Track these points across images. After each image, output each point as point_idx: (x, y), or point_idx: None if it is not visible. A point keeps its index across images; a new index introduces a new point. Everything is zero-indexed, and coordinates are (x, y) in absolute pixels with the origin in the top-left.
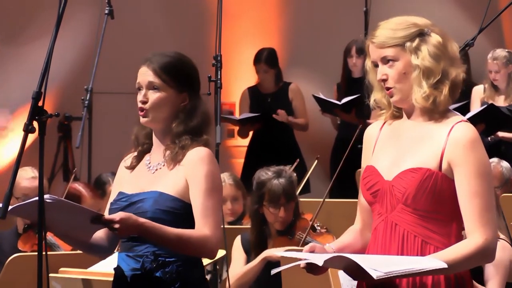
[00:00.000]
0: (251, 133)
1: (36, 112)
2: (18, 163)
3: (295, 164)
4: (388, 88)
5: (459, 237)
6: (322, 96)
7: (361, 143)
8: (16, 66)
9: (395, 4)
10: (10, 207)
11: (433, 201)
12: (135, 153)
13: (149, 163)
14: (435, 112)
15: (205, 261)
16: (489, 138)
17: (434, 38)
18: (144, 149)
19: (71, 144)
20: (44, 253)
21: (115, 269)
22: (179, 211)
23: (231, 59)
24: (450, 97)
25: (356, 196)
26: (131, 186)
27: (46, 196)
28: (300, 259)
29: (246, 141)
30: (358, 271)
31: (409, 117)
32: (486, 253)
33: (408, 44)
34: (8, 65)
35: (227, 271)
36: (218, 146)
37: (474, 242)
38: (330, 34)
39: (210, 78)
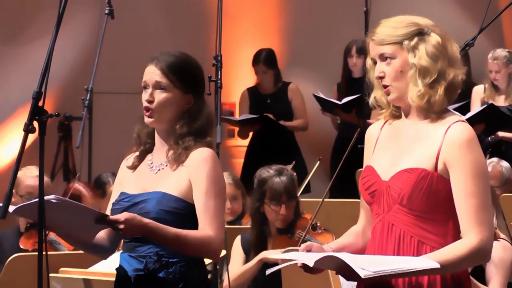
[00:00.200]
0: (250, 133)
1: (36, 112)
2: (18, 163)
3: (291, 166)
4: (385, 86)
5: (456, 237)
6: (322, 96)
7: (362, 143)
8: (16, 66)
9: (395, 4)
10: (14, 207)
11: (428, 202)
12: (137, 153)
13: (151, 163)
14: (431, 112)
15: (205, 261)
16: (489, 138)
17: (433, 38)
18: (146, 149)
19: (71, 144)
20: (44, 253)
21: (117, 269)
22: (182, 212)
23: (231, 59)
24: (446, 98)
25: (356, 196)
26: (134, 186)
27: (51, 196)
28: (292, 260)
29: (246, 141)
30: (350, 271)
31: (407, 116)
32: (481, 253)
33: (406, 42)
34: (8, 65)
35: (227, 271)
36: (218, 146)
37: (469, 242)
38: (330, 34)
39: (210, 78)
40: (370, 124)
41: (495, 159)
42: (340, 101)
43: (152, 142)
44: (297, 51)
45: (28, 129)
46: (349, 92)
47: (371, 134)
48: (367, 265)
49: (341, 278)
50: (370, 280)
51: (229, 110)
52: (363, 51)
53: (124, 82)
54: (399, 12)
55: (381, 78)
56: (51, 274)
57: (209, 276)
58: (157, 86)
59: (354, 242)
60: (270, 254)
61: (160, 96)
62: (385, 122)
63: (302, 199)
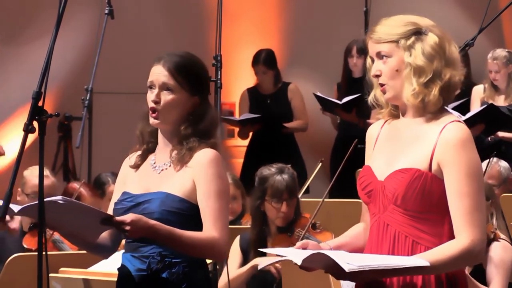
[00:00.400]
0: (250, 133)
1: (36, 112)
2: (18, 163)
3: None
4: (381, 85)
5: (452, 237)
6: (323, 95)
7: (362, 144)
8: (16, 66)
9: (395, 4)
10: (19, 207)
11: (422, 202)
12: (139, 152)
13: (154, 163)
14: (426, 111)
15: (206, 261)
16: (489, 138)
17: (431, 38)
18: (149, 148)
19: (71, 144)
20: (44, 253)
21: (119, 269)
22: (186, 212)
23: (231, 59)
24: (441, 98)
25: (356, 196)
26: (136, 186)
27: (58, 197)
28: (281, 256)
29: (246, 141)
30: (338, 268)
31: (403, 115)
32: (472, 254)
33: (402, 41)
34: (8, 65)
35: (227, 271)
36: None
37: (461, 242)
38: (330, 34)
39: (210, 78)
40: (370, 124)
41: (493, 159)
42: (340, 100)
43: (155, 141)
44: (297, 51)
45: (28, 129)
46: (350, 92)
47: (371, 133)
48: (353, 261)
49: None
50: (364, 280)
51: (229, 110)
52: (363, 51)
53: (124, 82)
54: (399, 12)
55: (378, 76)
56: (51, 274)
57: None
58: (164, 87)
59: (354, 240)
60: (263, 260)
61: (166, 97)
62: (385, 122)
63: (301, 199)
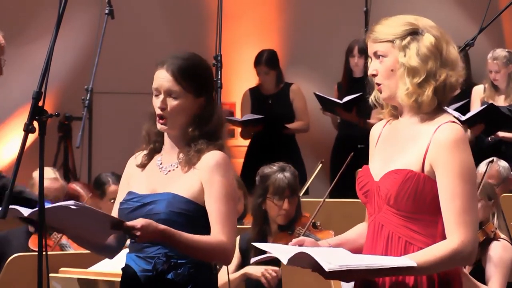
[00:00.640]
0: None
1: (36, 112)
2: (18, 163)
3: None
4: (377, 84)
5: (445, 238)
6: (323, 94)
7: (362, 143)
8: (16, 66)
9: (395, 4)
10: (29, 210)
11: (415, 203)
12: (146, 151)
13: (161, 164)
14: (421, 112)
15: None
16: (489, 138)
17: (427, 39)
18: (156, 148)
19: (71, 144)
20: (44, 253)
21: (123, 269)
22: (192, 214)
23: (231, 59)
24: (435, 98)
25: (356, 196)
26: (142, 186)
27: (71, 202)
28: (269, 253)
29: (246, 141)
30: (322, 268)
31: (401, 115)
32: (462, 255)
33: (397, 41)
34: (8, 65)
35: (227, 271)
36: None
37: (450, 243)
38: (330, 34)
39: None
40: (370, 123)
41: (493, 159)
42: (341, 100)
43: (161, 141)
44: (297, 51)
45: (28, 129)
46: (350, 91)
47: (373, 133)
48: (336, 261)
49: None
50: (355, 280)
51: (229, 110)
52: (365, 51)
53: (124, 82)
54: (399, 12)
55: (374, 76)
56: (51, 274)
57: None
58: (169, 93)
59: (356, 238)
60: (253, 270)
61: (173, 103)
62: (387, 122)
63: (301, 199)
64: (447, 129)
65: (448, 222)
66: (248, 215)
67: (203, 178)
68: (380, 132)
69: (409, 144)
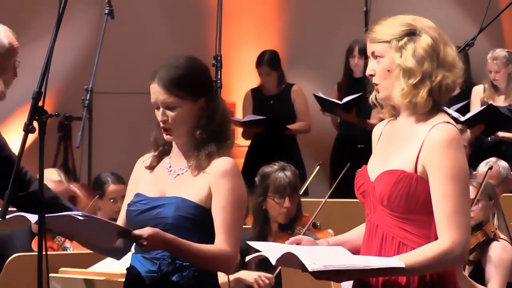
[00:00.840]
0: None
1: (36, 112)
2: (18, 163)
3: None
4: (375, 84)
5: None
6: (322, 95)
7: (362, 144)
8: None
9: (395, 4)
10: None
11: (407, 203)
12: (156, 153)
13: (170, 167)
14: (416, 113)
15: None
16: (489, 138)
17: (424, 40)
18: (165, 150)
19: (71, 144)
20: (44, 253)
21: (128, 269)
22: (199, 218)
23: (231, 59)
24: (429, 99)
25: (356, 196)
26: (151, 188)
27: (78, 213)
28: (259, 251)
29: (246, 141)
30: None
31: (399, 116)
32: (452, 256)
33: (394, 42)
34: None
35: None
36: None
37: (441, 244)
38: (330, 34)
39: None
40: (370, 124)
41: (492, 159)
42: (340, 100)
43: (170, 144)
44: (297, 51)
45: (28, 129)
46: (350, 92)
47: (375, 133)
48: (322, 260)
49: None
50: (345, 280)
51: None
52: (365, 51)
53: (124, 82)
54: (399, 12)
55: (372, 76)
56: (51, 274)
57: None
58: (166, 106)
59: (356, 238)
60: (247, 275)
61: (172, 114)
62: (388, 121)
63: (301, 199)
64: (441, 129)
65: (440, 223)
66: (249, 215)
67: (212, 183)
68: (381, 132)
69: (405, 144)
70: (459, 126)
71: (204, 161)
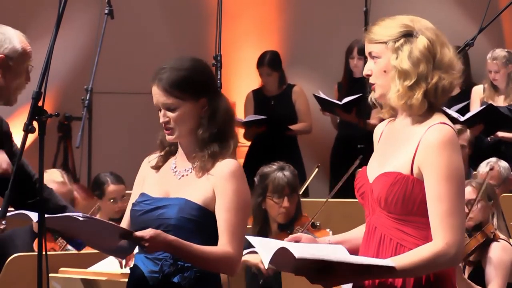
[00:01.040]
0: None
1: (36, 112)
2: (18, 163)
3: None
4: (371, 84)
5: None
6: (322, 96)
7: (362, 144)
8: None
9: (395, 4)
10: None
11: (404, 205)
12: (161, 153)
13: (175, 167)
14: (412, 114)
15: None
16: (488, 138)
17: (420, 41)
18: (171, 150)
19: (71, 144)
20: (44, 253)
21: (131, 269)
22: (202, 220)
23: (231, 59)
24: (425, 101)
25: (356, 196)
26: (155, 188)
27: (78, 214)
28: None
29: (247, 141)
30: (306, 269)
31: (397, 117)
32: (446, 257)
33: (390, 43)
34: None
35: None
36: None
37: (434, 246)
38: (330, 34)
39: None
40: (370, 124)
41: (493, 159)
42: (340, 100)
43: (176, 145)
44: (297, 51)
45: (28, 129)
46: (350, 92)
47: (376, 133)
48: (308, 253)
49: None
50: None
51: None
52: (364, 52)
53: (124, 82)
54: (399, 12)
55: (369, 76)
56: (51, 274)
57: None
58: (166, 107)
59: (358, 238)
60: (252, 258)
61: (172, 115)
62: (389, 122)
63: (301, 199)
64: (436, 130)
65: (434, 224)
66: (249, 216)
67: (215, 186)
68: (382, 132)
69: (401, 146)
70: (458, 126)
71: (208, 163)
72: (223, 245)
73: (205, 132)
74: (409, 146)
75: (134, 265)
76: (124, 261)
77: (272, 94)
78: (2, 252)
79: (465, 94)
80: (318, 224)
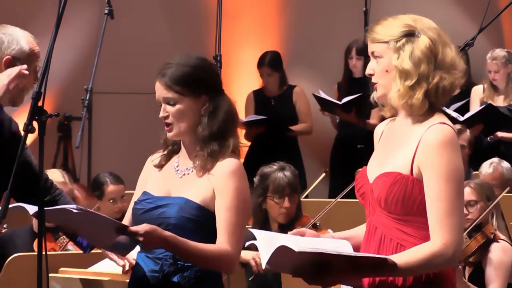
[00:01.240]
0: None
1: (36, 112)
2: (18, 163)
3: None
4: (374, 83)
5: None
6: (322, 95)
7: (362, 143)
8: None
9: (395, 4)
10: (35, 208)
11: (404, 205)
12: (165, 152)
13: (177, 166)
14: (413, 114)
15: None
16: (488, 138)
17: (422, 41)
18: (174, 149)
19: (71, 144)
20: (44, 253)
21: (133, 268)
22: (202, 220)
23: (231, 59)
24: (425, 101)
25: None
26: (157, 187)
27: (73, 206)
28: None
29: (247, 141)
30: (304, 269)
31: (398, 116)
32: (444, 257)
33: (392, 43)
34: None
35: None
36: None
37: (432, 246)
38: (330, 34)
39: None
40: (369, 124)
41: (495, 160)
42: (340, 100)
43: (179, 143)
44: (297, 51)
45: (27, 129)
46: (350, 91)
47: (376, 132)
48: (311, 247)
49: None
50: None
51: None
52: (363, 52)
53: (124, 82)
54: (399, 12)
55: (371, 75)
56: (50, 274)
57: None
58: (166, 101)
59: (361, 235)
60: (244, 254)
61: (172, 110)
62: (390, 121)
63: (301, 200)
64: (436, 130)
65: (432, 224)
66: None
67: (216, 185)
68: (382, 131)
69: (401, 145)
70: (458, 126)
71: (208, 162)
72: (221, 243)
73: (205, 130)
74: (409, 146)
75: (137, 263)
76: (127, 266)
77: (273, 95)
78: (2, 252)
79: (465, 94)
80: (318, 224)
